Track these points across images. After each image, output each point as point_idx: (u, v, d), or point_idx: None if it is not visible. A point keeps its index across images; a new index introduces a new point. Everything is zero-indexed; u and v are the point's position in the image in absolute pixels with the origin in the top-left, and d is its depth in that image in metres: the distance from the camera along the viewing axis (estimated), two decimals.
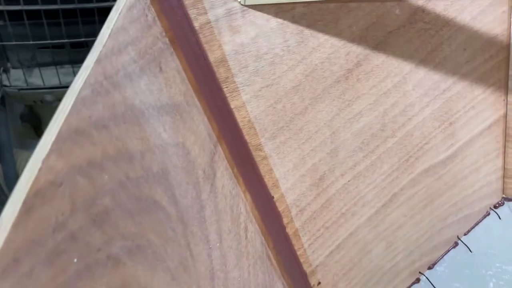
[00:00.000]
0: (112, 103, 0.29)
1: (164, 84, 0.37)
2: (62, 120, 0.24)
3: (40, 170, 0.22)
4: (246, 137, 0.49)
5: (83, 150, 0.26)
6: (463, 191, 0.73)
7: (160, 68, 0.37)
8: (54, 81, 1.15)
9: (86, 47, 1.13)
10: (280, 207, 0.53)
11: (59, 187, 0.23)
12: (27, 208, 0.21)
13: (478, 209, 0.77)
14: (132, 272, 0.28)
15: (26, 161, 0.23)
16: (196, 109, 0.41)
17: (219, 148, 0.44)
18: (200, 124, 0.41)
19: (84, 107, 0.26)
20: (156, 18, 0.37)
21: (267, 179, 0.51)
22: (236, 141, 0.47)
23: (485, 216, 0.78)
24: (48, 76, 1.14)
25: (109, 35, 0.30)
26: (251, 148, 0.49)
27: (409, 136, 0.63)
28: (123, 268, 0.27)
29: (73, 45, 1.13)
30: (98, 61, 0.29)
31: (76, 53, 1.14)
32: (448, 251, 0.74)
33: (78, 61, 1.15)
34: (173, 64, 0.39)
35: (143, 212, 0.30)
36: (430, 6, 0.59)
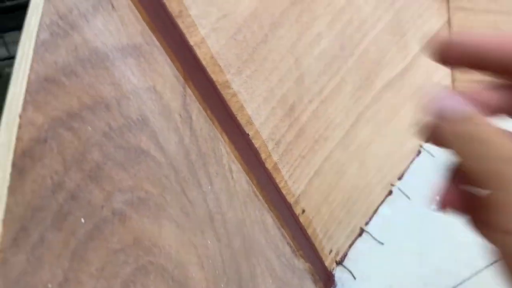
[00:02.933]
0: (74, 46, 0.25)
1: (120, 24, 0.33)
2: (27, 67, 0.21)
3: (20, 126, 0.19)
4: (212, 76, 0.46)
5: (58, 101, 0.22)
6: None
7: (112, 6, 0.32)
8: None
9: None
10: (257, 144, 0.52)
11: (45, 143, 0.20)
12: (18, 170, 0.17)
13: None
14: (139, 226, 0.25)
15: None
16: (157, 49, 0.38)
17: (189, 90, 0.41)
18: (164, 65, 0.38)
19: (46, 52, 0.23)
20: None
21: (240, 117, 0.49)
22: (203, 80, 0.44)
23: None
24: None
25: None
26: (218, 86, 0.46)
27: (366, 53, 0.63)
28: (130, 223, 0.25)
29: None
30: None
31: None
32: (413, 160, 0.77)
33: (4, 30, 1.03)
34: (124, 1, 0.34)
35: (134, 162, 0.27)
36: None
